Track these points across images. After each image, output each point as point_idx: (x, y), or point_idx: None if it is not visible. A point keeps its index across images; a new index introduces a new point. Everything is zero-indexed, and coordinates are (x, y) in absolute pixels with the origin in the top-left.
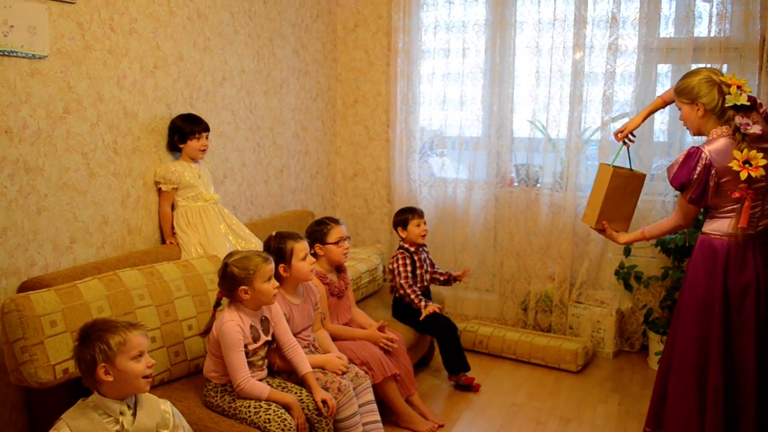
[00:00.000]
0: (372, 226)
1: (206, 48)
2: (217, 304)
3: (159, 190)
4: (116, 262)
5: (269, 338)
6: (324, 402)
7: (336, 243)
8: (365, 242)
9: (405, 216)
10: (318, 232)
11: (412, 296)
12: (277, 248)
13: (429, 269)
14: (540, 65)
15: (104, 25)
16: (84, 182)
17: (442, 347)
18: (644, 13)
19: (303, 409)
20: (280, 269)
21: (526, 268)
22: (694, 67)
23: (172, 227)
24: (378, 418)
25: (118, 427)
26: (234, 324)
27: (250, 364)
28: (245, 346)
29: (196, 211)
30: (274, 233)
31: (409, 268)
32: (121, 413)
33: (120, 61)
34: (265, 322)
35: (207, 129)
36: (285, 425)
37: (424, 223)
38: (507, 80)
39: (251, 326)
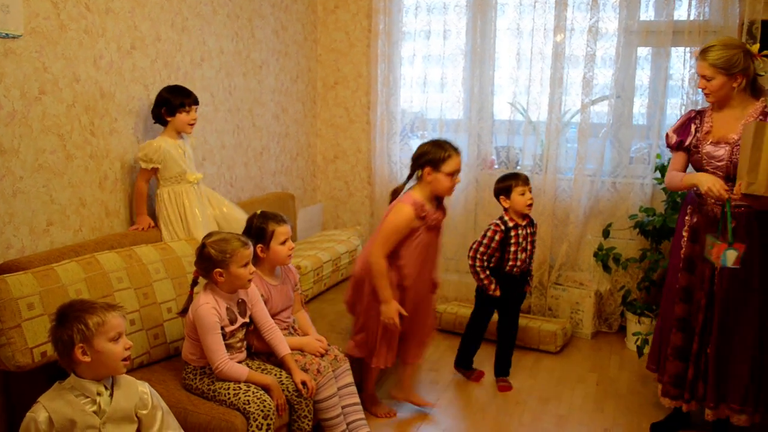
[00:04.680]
0: (352, 209)
1: (184, 28)
2: (194, 282)
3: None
4: (94, 244)
5: (246, 320)
6: (303, 383)
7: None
8: (346, 225)
9: (507, 183)
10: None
11: (478, 269)
12: (259, 228)
13: (529, 248)
14: (521, 47)
15: (80, 4)
16: (60, 164)
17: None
18: None
19: (282, 390)
20: (258, 249)
21: None
22: (674, 50)
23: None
24: (358, 400)
25: (95, 407)
26: (209, 307)
27: (229, 347)
28: (222, 328)
29: (180, 195)
30: (259, 211)
31: (493, 244)
32: (98, 394)
33: (96, 41)
34: (241, 304)
35: (197, 102)
36: (264, 406)
37: (530, 191)
38: (488, 62)
39: (227, 308)
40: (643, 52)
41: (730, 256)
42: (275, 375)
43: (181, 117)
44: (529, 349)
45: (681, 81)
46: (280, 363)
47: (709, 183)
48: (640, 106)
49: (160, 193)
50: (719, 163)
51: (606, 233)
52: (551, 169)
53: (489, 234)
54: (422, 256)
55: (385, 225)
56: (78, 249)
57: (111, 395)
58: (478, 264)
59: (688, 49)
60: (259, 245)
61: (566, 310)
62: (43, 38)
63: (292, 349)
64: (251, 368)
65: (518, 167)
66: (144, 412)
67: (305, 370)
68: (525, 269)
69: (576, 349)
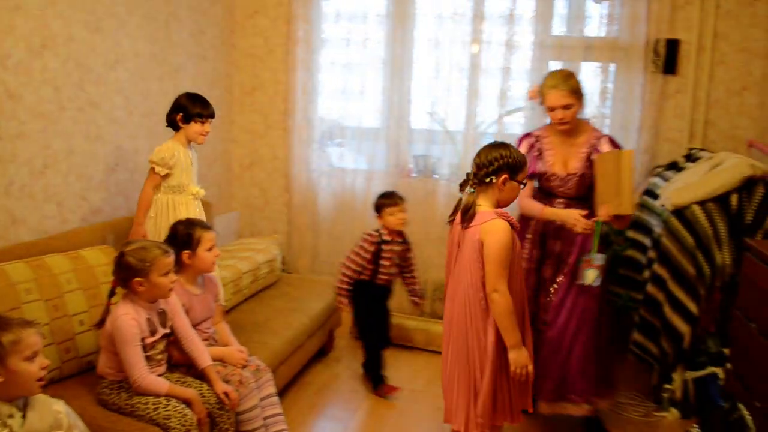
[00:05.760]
0: (269, 216)
1: (98, 29)
2: (112, 293)
3: (151, 170)
4: None
5: (168, 331)
6: (226, 394)
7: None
8: (262, 233)
9: (380, 202)
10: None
11: (339, 283)
12: (186, 234)
13: (403, 264)
14: (439, 58)
15: None
16: None
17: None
18: (539, 11)
19: (204, 403)
20: (184, 256)
21: (423, 257)
22: (584, 64)
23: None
24: (280, 411)
25: (6, 431)
26: (129, 318)
27: (149, 359)
28: (142, 339)
29: (179, 206)
30: (184, 219)
31: (368, 255)
32: (10, 416)
33: (3, 40)
34: (162, 314)
35: (213, 116)
36: (186, 421)
37: (402, 210)
38: (406, 72)
39: (147, 319)
40: (556, 65)
41: (590, 275)
42: (196, 387)
43: (195, 127)
44: (420, 350)
45: (590, 94)
46: (200, 375)
47: (581, 225)
48: None
49: (157, 199)
50: (569, 190)
51: None
52: None
53: (365, 245)
54: (522, 269)
55: (492, 250)
56: None
57: (24, 416)
58: (348, 272)
59: (598, 64)
60: (186, 251)
61: None
62: None
63: (213, 360)
64: (171, 381)
65: (435, 176)
66: None
67: (227, 381)
68: (390, 282)
69: None
